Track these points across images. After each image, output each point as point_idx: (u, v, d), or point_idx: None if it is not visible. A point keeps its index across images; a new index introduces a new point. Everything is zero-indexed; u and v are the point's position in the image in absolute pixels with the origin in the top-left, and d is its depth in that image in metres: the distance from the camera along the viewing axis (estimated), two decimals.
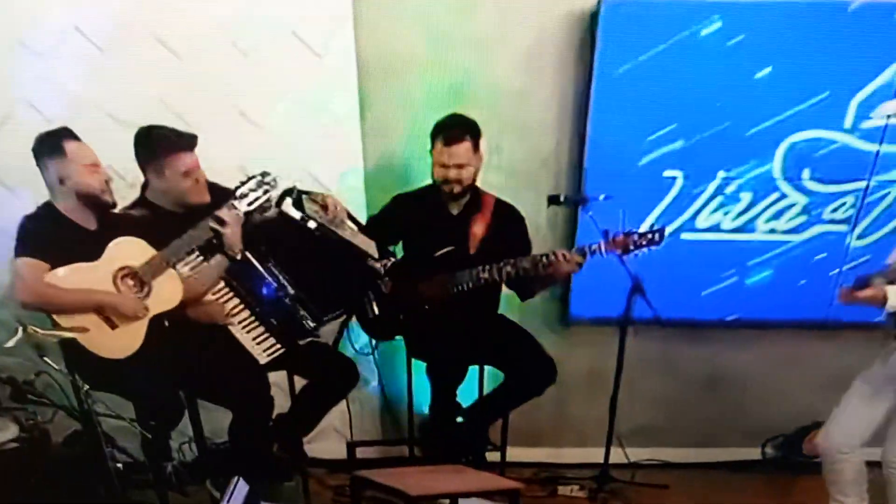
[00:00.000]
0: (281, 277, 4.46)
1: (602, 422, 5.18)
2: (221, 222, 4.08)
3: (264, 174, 4.16)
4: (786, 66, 4.93)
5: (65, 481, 3.77)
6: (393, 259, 4.62)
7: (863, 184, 5.19)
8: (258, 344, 4.46)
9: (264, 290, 4.46)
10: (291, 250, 4.46)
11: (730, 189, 5.22)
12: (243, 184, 4.15)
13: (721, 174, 5.19)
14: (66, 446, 4.43)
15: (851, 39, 4.87)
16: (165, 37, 4.86)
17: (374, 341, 5.05)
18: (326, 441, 5.28)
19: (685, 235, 5.31)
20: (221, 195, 4.32)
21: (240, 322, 4.44)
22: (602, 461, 5.22)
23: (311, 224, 4.34)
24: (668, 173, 5.19)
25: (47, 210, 4.09)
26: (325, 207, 4.46)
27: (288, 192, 4.35)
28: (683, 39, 4.89)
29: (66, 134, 4.04)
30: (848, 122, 5.05)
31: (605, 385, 5.15)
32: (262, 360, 4.45)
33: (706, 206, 5.27)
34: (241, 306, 4.45)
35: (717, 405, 5.79)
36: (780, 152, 5.13)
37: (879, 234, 5.30)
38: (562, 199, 4.87)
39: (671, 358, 5.66)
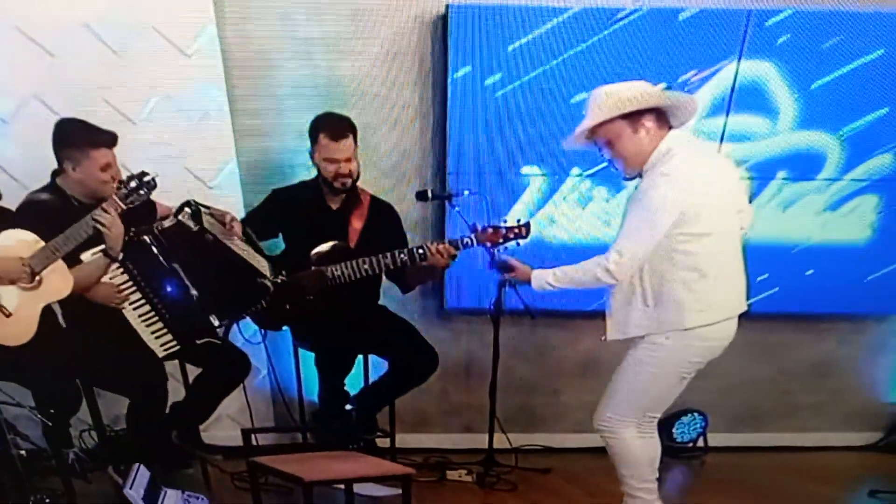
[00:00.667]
0: (185, 278, 4.48)
1: (484, 408, 5.31)
2: (101, 222, 4.08)
3: (143, 173, 4.16)
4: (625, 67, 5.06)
5: None
6: (282, 279, 4.66)
7: None
8: (157, 338, 4.49)
9: (168, 288, 4.48)
10: (193, 256, 4.49)
11: (585, 186, 5.41)
12: (123, 183, 4.16)
13: (575, 170, 5.37)
14: None
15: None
16: (35, 34, 4.88)
17: (262, 331, 5.04)
18: (222, 429, 5.32)
19: (546, 231, 5.47)
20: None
21: (140, 315, 4.46)
22: (487, 447, 5.31)
23: (208, 236, 4.42)
24: (526, 170, 5.36)
25: None
26: (221, 223, 4.53)
27: (186, 204, 4.41)
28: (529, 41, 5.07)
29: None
30: None
31: (484, 373, 5.28)
32: (160, 353, 4.49)
33: (563, 201, 5.45)
34: (143, 301, 4.47)
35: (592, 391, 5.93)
36: None
37: None
38: (429, 194, 4.95)
39: (543, 345, 5.83)
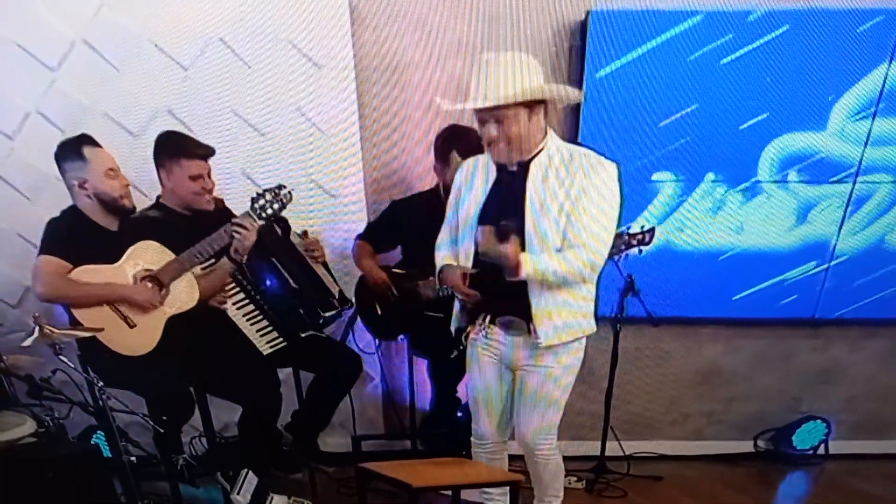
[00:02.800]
0: (283, 272, 4.51)
1: (597, 416, 5.22)
2: (242, 228, 4.12)
3: (280, 187, 4.20)
4: (769, 70, 4.91)
5: (81, 474, 3.74)
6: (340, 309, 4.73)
7: (848, 186, 5.16)
8: (262, 336, 4.48)
9: (268, 283, 4.51)
10: (286, 255, 4.55)
11: (719, 192, 5.18)
12: (260, 195, 4.19)
13: (709, 177, 5.16)
14: (81, 440, 4.50)
15: (831, 45, 4.86)
16: (171, 50, 4.87)
17: (377, 340, 5.06)
18: (331, 436, 5.25)
19: (676, 238, 5.27)
20: (225, 213, 4.44)
21: (245, 315, 4.47)
22: (598, 454, 5.24)
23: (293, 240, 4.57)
24: (656, 176, 5.16)
25: (71, 213, 4.16)
26: (305, 237, 4.64)
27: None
28: (664, 45, 4.90)
29: (85, 140, 4.11)
30: (833, 125, 5.04)
31: (599, 380, 5.17)
32: (266, 351, 4.49)
33: (696, 208, 5.24)
34: (247, 300, 4.48)
35: (709, 400, 5.81)
36: (766, 155, 5.10)
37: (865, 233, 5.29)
38: None
39: (666, 354, 5.65)
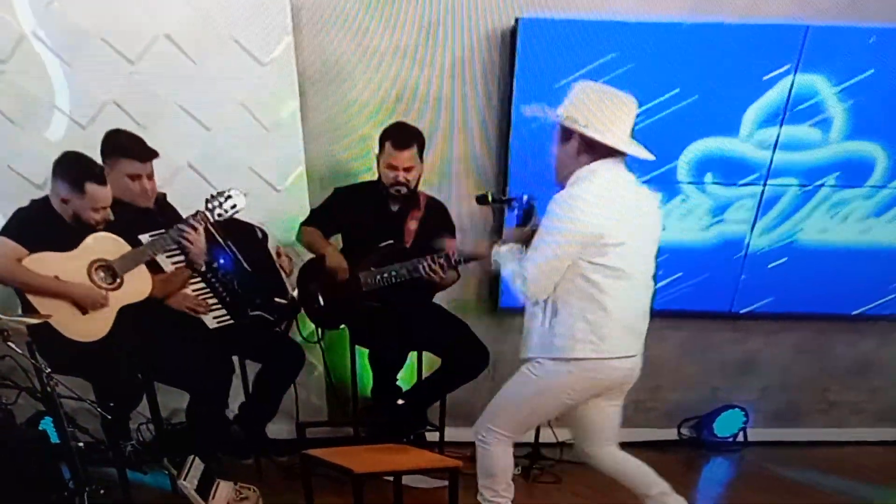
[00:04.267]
0: (238, 255, 4.53)
1: None
2: (186, 238, 4.14)
3: (230, 191, 4.25)
4: (686, 82, 5.05)
5: (29, 460, 3.71)
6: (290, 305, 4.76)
7: (759, 188, 5.32)
8: (210, 311, 4.52)
9: (221, 261, 4.51)
10: (244, 245, 4.58)
11: None
12: (213, 198, 4.21)
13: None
14: (29, 426, 4.46)
15: (741, 57, 5.01)
16: (118, 45, 4.83)
17: (320, 330, 5.06)
18: (275, 423, 5.20)
19: None
20: (166, 209, 4.48)
21: (195, 290, 4.48)
22: (533, 440, 5.28)
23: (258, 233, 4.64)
24: None
25: (42, 205, 4.14)
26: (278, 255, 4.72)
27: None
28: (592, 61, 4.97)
29: (92, 177, 4.04)
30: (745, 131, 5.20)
31: None
32: (212, 325, 4.51)
33: None
34: (198, 278, 4.49)
35: (637, 388, 5.85)
36: (684, 158, 5.23)
37: (776, 232, 5.45)
38: (489, 198, 4.82)
39: None
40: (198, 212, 4.21)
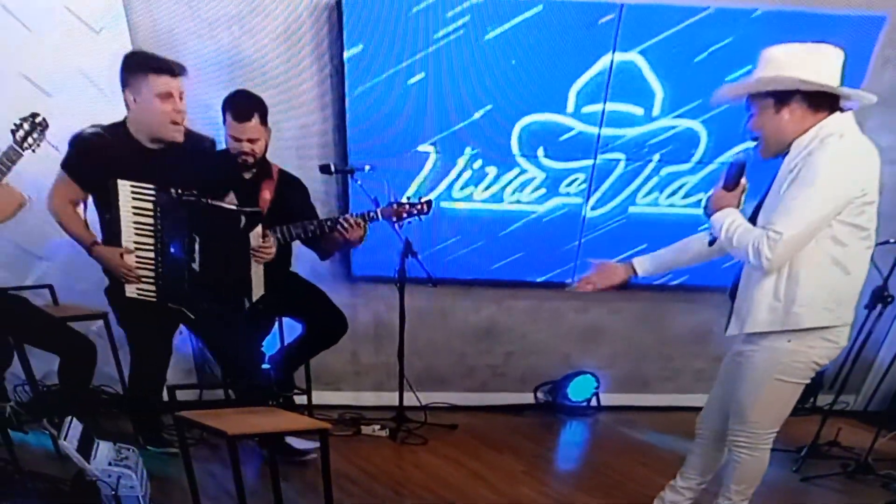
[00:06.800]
0: (196, 251, 4.48)
1: (392, 368, 5.51)
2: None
3: (34, 115, 4.03)
4: (518, 56, 5.15)
5: None
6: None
7: (590, 162, 5.50)
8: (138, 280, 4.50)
9: (172, 249, 4.48)
10: (214, 240, 4.52)
11: (477, 164, 5.46)
12: (18, 126, 4.00)
13: (468, 150, 5.41)
14: None
15: (566, 35, 5.13)
16: None
17: None
18: None
19: (444, 204, 5.52)
20: (196, 141, 4.50)
21: (139, 259, 4.46)
22: (398, 404, 5.52)
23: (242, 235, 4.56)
24: (422, 148, 5.39)
25: None
26: (265, 238, 4.63)
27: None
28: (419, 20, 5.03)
29: None
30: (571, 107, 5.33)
31: (391, 335, 5.46)
32: (129, 293, 4.49)
33: (458, 178, 5.50)
34: (151, 247, 4.48)
35: (490, 354, 6.15)
36: (516, 132, 5.37)
37: (610, 206, 5.65)
38: (332, 168, 4.99)
39: (448, 312, 5.96)
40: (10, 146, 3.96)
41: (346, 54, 5.07)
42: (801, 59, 3.37)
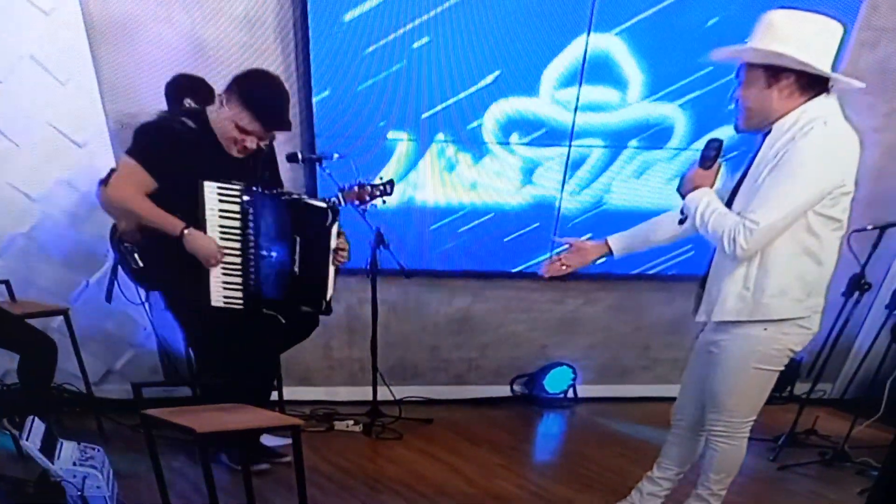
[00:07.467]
0: (296, 255, 4.38)
1: (366, 362, 5.45)
2: None
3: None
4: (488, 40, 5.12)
5: None
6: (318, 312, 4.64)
7: (565, 149, 5.48)
8: (224, 288, 4.34)
9: (273, 254, 4.37)
10: (316, 242, 4.41)
11: (450, 151, 5.43)
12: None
13: (440, 136, 5.38)
14: None
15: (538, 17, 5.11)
16: None
17: (143, 291, 4.91)
18: (109, 383, 5.36)
19: (416, 193, 5.49)
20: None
21: (228, 262, 4.31)
22: (372, 398, 5.47)
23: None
24: (392, 135, 5.35)
25: None
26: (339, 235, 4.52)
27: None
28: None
29: None
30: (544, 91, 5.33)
31: (364, 328, 5.42)
32: (214, 301, 4.32)
33: (430, 166, 5.46)
34: (239, 252, 4.33)
35: (466, 347, 6.13)
36: (489, 117, 5.34)
37: (585, 193, 5.65)
38: (299, 157, 4.89)
39: (421, 304, 5.92)
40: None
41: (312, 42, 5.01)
42: (803, 37, 3.27)
